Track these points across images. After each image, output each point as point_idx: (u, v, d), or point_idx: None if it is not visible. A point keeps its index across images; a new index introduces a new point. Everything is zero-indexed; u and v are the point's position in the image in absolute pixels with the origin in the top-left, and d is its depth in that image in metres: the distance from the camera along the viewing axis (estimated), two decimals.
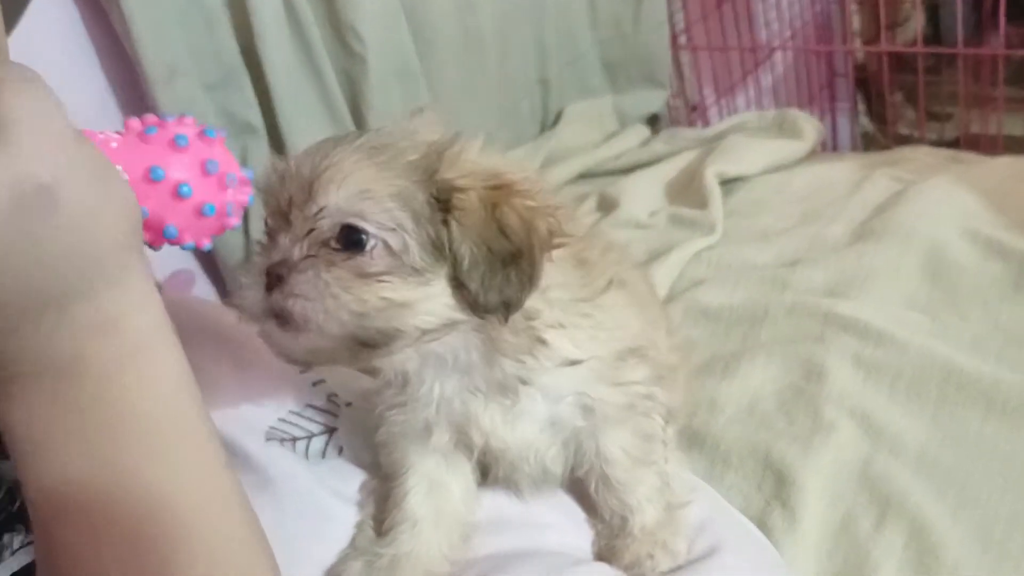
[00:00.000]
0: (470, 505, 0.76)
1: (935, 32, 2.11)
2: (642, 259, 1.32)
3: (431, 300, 0.61)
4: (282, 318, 0.60)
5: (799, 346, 1.08)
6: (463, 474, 0.75)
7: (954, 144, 1.83)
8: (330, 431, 0.79)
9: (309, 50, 1.29)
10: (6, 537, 0.59)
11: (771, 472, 0.92)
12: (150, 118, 0.56)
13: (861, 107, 2.20)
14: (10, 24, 0.57)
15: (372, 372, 0.71)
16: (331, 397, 0.82)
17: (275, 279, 0.60)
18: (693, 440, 0.98)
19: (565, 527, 0.77)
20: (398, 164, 0.61)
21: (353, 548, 0.73)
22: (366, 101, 1.38)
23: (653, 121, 1.95)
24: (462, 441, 0.71)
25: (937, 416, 0.96)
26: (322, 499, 0.74)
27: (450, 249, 0.60)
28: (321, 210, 0.60)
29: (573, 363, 0.68)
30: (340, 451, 0.79)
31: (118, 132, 0.55)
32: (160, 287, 0.53)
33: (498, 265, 0.60)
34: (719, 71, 2.01)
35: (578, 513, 0.78)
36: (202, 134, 0.56)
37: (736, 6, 1.96)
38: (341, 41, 1.34)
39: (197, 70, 1.18)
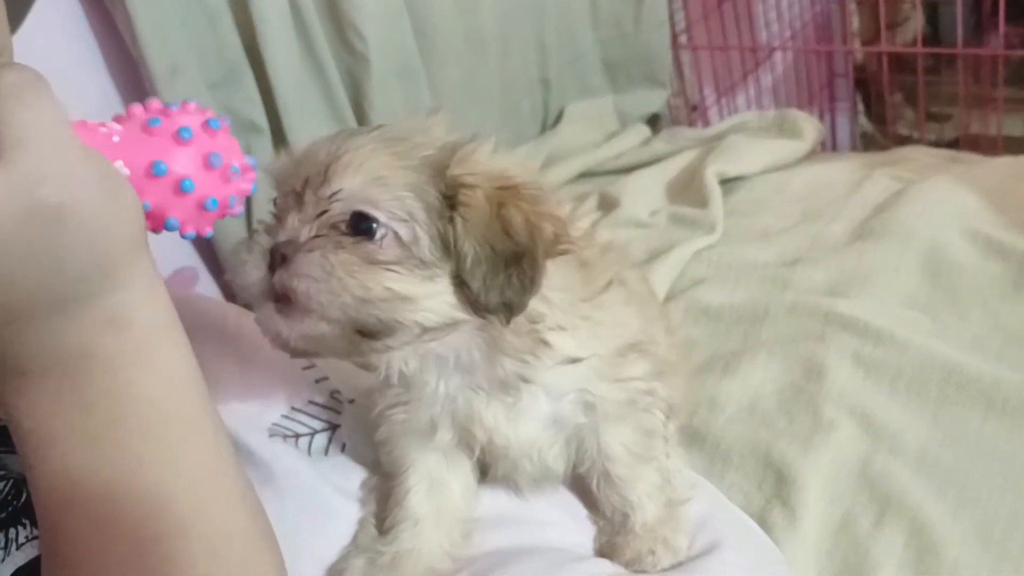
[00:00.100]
0: (470, 503, 0.76)
1: (934, 33, 2.12)
2: (643, 258, 1.32)
3: (435, 297, 0.61)
4: (283, 299, 0.59)
5: (799, 345, 1.08)
6: (463, 472, 0.75)
7: (953, 144, 1.83)
8: (333, 428, 0.80)
9: (312, 48, 1.29)
10: (12, 531, 0.59)
11: (771, 471, 0.93)
12: (154, 105, 0.55)
13: (860, 107, 2.21)
14: (14, 23, 0.57)
15: (372, 370, 0.71)
16: (334, 394, 0.82)
17: (280, 259, 0.59)
18: (694, 439, 0.98)
19: (566, 524, 0.77)
20: (414, 157, 0.62)
21: (355, 546, 0.73)
22: (368, 100, 1.38)
23: (653, 121, 1.95)
24: (464, 439, 0.71)
25: (937, 415, 0.96)
26: (324, 495, 0.74)
27: (455, 246, 0.60)
28: (336, 193, 0.60)
29: (574, 361, 0.68)
30: (343, 448, 0.79)
31: (120, 118, 0.54)
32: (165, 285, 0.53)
33: (500, 265, 0.60)
34: (719, 71, 2.01)
35: (579, 510, 0.78)
36: (206, 125, 0.55)
37: (736, 6, 1.96)
38: (343, 40, 1.34)
39: (200, 68, 1.18)
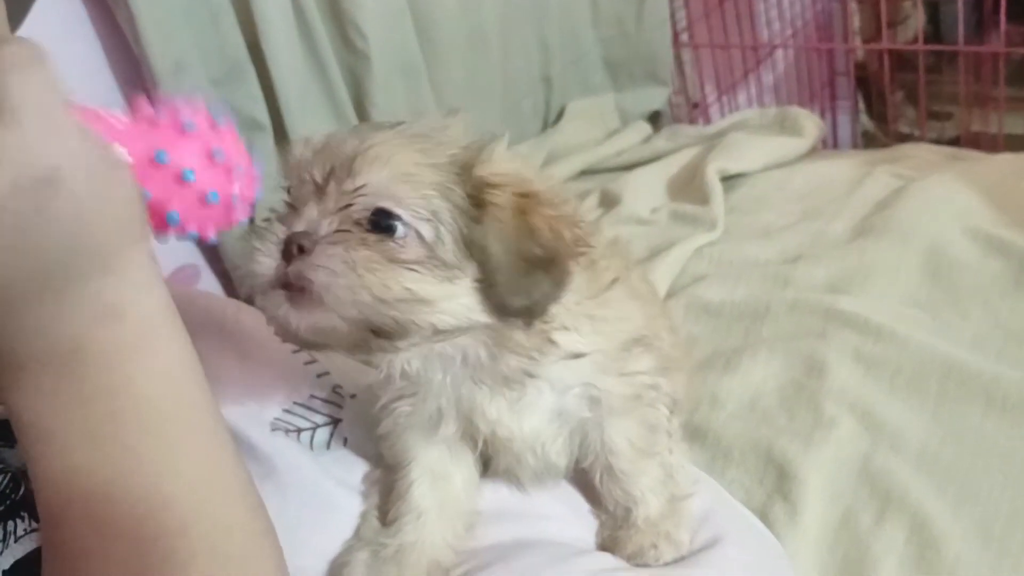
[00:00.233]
0: (473, 496, 0.76)
1: (935, 31, 2.11)
2: (644, 255, 1.32)
3: (453, 299, 0.60)
4: (295, 290, 0.58)
5: (800, 342, 1.09)
6: (466, 465, 0.75)
7: (955, 143, 1.83)
8: (334, 422, 0.80)
9: (314, 46, 1.29)
10: (10, 524, 0.59)
11: (772, 467, 0.93)
12: (160, 101, 0.55)
13: (861, 106, 2.21)
14: (15, 21, 0.57)
15: (374, 366, 0.70)
16: (335, 389, 0.82)
17: (296, 249, 0.58)
18: (695, 435, 0.98)
19: (567, 518, 0.77)
20: (440, 155, 0.61)
21: (358, 538, 0.73)
22: (369, 98, 1.38)
23: (655, 118, 1.95)
24: (467, 432, 0.71)
25: (937, 412, 0.96)
26: (326, 489, 0.74)
27: (481, 246, 0.60)
28: (361, 187, 0.59)
29: (578, 356, 0.68)
30: (344, 442, 0.79)
31: (127, 113, 0.54)
32: (165, 281, 0.53)
33: (525, 268, 0.60)
34: (721, 69, 2.01)
35: (580, 504, 0.78)
36: (212, 122, 0.55)
37: (737, 4, 1.96)
38: (345, 38, 1.34)
39: (203, 65, 1.18)
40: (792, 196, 1.47)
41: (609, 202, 1.52)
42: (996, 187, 1.33)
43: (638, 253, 1.30)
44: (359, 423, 0.80)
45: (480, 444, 0.72)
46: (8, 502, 0.60)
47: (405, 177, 0.59)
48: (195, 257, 1.29)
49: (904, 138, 1.93)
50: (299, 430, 0.78)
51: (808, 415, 0.98)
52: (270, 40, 1.23)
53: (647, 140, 1.80)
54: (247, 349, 0.81)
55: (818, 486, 0.90)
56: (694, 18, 1.97)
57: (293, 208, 0.61)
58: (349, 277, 0.57)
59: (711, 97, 2.05)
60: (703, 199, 1.47)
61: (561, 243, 0.61)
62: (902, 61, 1.97)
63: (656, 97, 1.93)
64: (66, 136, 0.44)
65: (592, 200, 1.56)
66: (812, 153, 1.66)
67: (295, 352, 0.84)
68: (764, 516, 0.88)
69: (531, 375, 0.67)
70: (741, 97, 2.07)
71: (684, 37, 1.98)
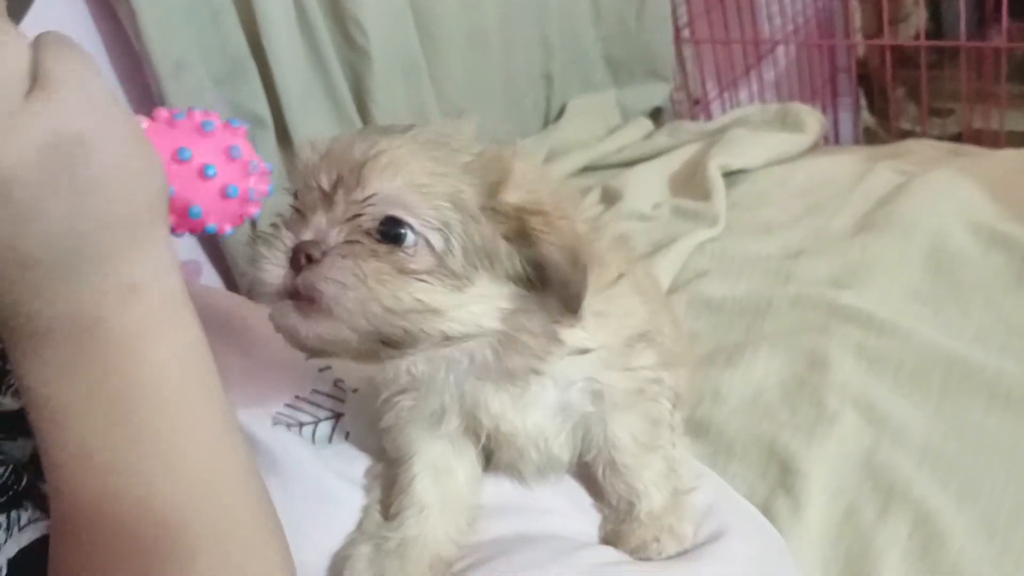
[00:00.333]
0: (475, 490, 0.76)
1: (937, 28, 2.11)
2: (645, 251, 1.33)
3: (462, 308, 0.60)
4: (303, 299, 0.57)
5: (802, 337, 1.09)
6: (469, 460, 0.75)
7: (956, 140, 1.83)
8: (336, 416, 0.80)
9: (315, 43, 1.29)
10: (14, 514, 0.60)
11: (775, 461, 0.93)
12: (176, 109, 0.59)
13: (863, 103, 2.20)
14: (16, 18, 0.58)
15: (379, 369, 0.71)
16: (337, 383, 0.82)
17: (304, 258, 0.57)
18: (697, 430, 0.98)
19: (570, 512, 0.77)
20: (453, 163, 0.60)
21: (361, 532, 0.73)
22: (370, 95, 1.38)
23: (656, 115, 1.95)
24: (470, 427, 0.71)
25: (940, 407, 0.97)
26: (328, 482, 0.74)
27: (526, 263, 0.60)
28: (371, 196, 0.58)
29: (583, 352, 0.68)
30: (346, 436, 0.79)
31: (145, 119, 0.58)
32: None
33: (576, 272, 0.61)
34: (722, 65, 2.01)
35: (583, 498, 0.78)
36: (227, 124, 0.59)
37: (739, 0, 1.96)
38: (346, 35, 1.34)
39: (204, 63, 1.18)
40: (794, 192, 1.47)
41: (610, 198, 1.52)
42: (998, 182, 1.33)
43: (640, 249, 1.30)
44: (361, 417, 0.80)
45: (483, 439, 0.72)
46: (11, 492, 0.61)
47: (416, 187, 0.58)
48: (196, 254, 1.29)
49: (905, 135, 1.93)
50: (301, 424, 0.78)
51: (811, 410, 0.98)
52: (271, 38, 1.23)
53: (648, 136, 1.80)
54: (249, 344, 0.82)
55: (821, 481, 0.90)
56: (695, 14, 1.96)
57: (300, 214, 0.61)
58: (360, 290, 0.56)
59: (712, 93, 2.05)
60: (705, 195, 1.47)
61: (580, 265, 0.62)
62: (903, 58, 1.97)
63: (657, 93, 1.93)
64: (100, 107, 0.47)
65: (593, 196, 1.55)
66: (814, 149, 1.66)
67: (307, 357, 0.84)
68: (767, 511, 0.88)
69: (537, 372, 0.67)
70: (742, 93, 2.07)
71: (685, 33, 1.98)
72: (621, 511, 0.76)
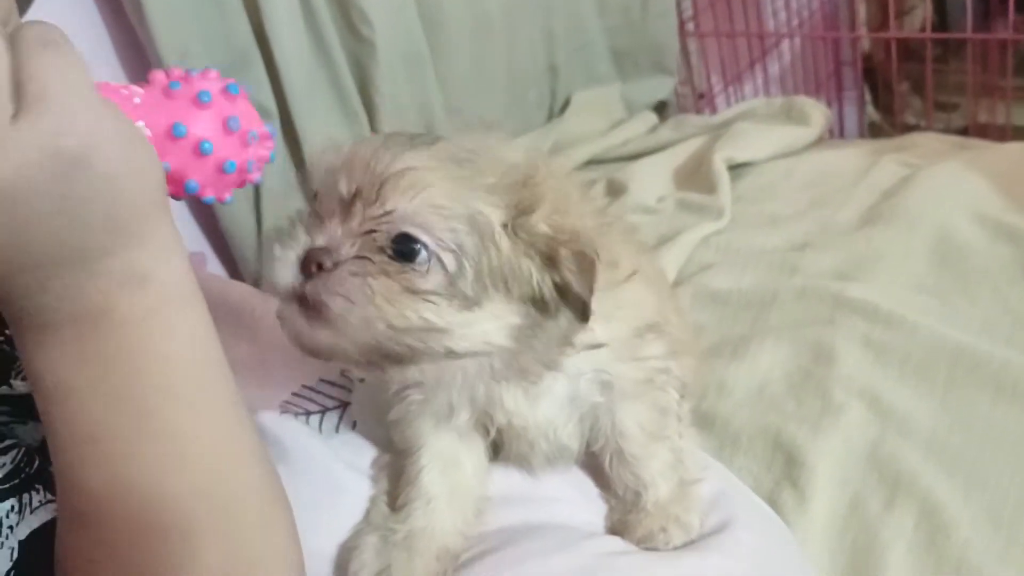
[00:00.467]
0: (483, 481, 0.76)
1: (942, 22, 2.11)
2: (651, 244, 1.32)
3: (470, 327, 0.59)
4: (310, 306, 0.58)
5: (808, 329, 1.08)
6: (476, 451, 0.75)
7: (961, 134, 1.83)
8: (344, 405, 0.80)
9: (319, 34, 1.29)
10: (26, 496, 0.60)
11: (780, 453, 0.93)
12: (175, 72, 0.56)
13: (867, 97, 2.20)
14: (21, 8, 0.58)
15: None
16: (344, 372, 0.82)
17: (315, 266, 0.57)
18: (703, 422, 0.98)
19: (576, 501, 0.77)
20: (477, 184, 0.60)
21: (368, 523, 0.73)
22: (374, 85, 1.38)
23: (660, 108, 1.95)
24: (481, 421, 0.71)
25: (946, 399, 0.96)
26: (336, 471, 0.74)
27: (545, 283, 0.60)
28: (388, 213, 0.58)
29: (596, 347, 0.68)
30: (353, 426, 0.79)
31: (142, 84, 0.55)
32: None
33: (586, 293, 0.61)
34: (727, 59, 2.01)
35: (590, 488, 0.78)
36: (225, 90, 0.56)
37: None
38: (350, 25, 1.34)
39: (209, 54, 1.18)
40: (799, 185, 1.47)
41: (615, 191, 1.52)
42: (1004, 175, 1.33)
43: (646, 241, 1.30)
44: (368, 407, 0.80)
45: (493, 432, 0.72)
46: (23, 475, 0.61)
47: (435, 208, 0.58)
48: (202, 245, 1.29)
49: (910, 129, 1.93)
50: (308, 413, 0.78)
51: (816, 402, 0.98)
52: (276, 28, 1.23)
53: (653, 130, 1.80)
54: (257, 332, 0.82)
55: (826, 472, 0.89)
56: (700, 7, 1.96)
57: (318, 217, 0.60)
58: (367, 308, 0.56)
59: (717, 87, 2.05)
60: (710, 188, 1.46)
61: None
62: (908, 51, 1.97)
63: (662, 87, 1.93)
64: (93, 116, 0.46)
65: (598, 190, 1.55)
66: (819, 143, 1.65)
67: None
68: (772, 502, 0.88)
69: (552, 370, 0.67)
70: (747, 87, 2.06)
71: (690, 26, 1.98)
72: (628, 501, 0.76)
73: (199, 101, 0.54)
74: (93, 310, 0.48)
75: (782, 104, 1.72)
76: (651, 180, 1.53)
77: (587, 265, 0.60)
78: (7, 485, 0.60)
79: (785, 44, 2.11)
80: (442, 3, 1.49)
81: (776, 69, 2.12)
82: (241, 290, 0.91)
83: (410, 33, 1.43)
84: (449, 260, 0.58)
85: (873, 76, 2.16)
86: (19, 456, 0.61)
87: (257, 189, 1.25)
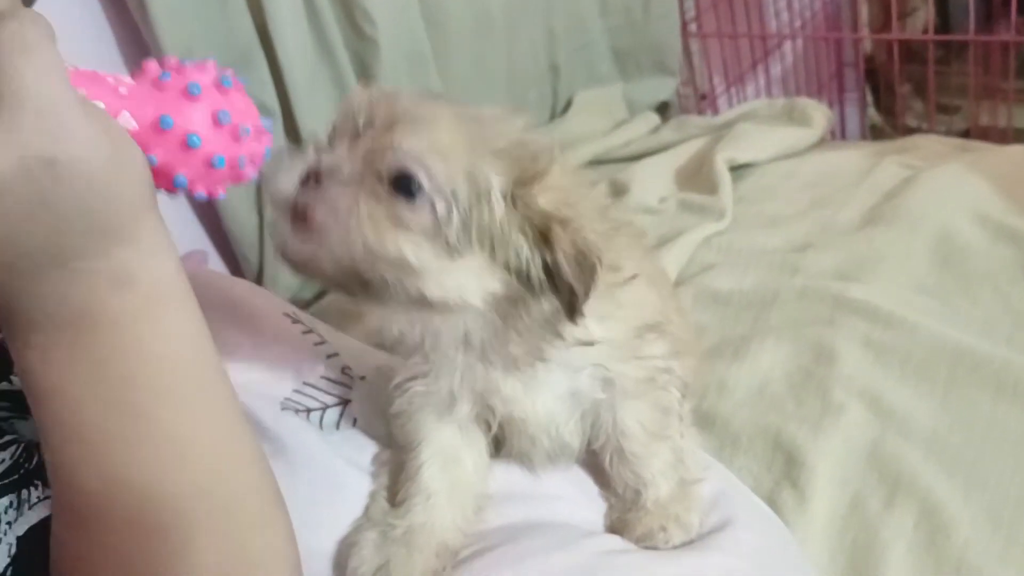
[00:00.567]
0: (483, 478, 0.76)
1: (944, 24, 2.11)
2: (652, 244, 1.32)
3: (446, 274, 0.60)
4: (300, 217, 0.59)
5: (809, 329, 1.08)
6: (477, 447, 0.75)
7: (963, 137, 1.82)
8: (344, 403, 0.79)
9: (322, 32, 1.29)
10: (24, 492, 0.60)
11: (781, 453, 0.93)
12: (170, 62, 0.54)
13: (869, 99, 2.20)
14: (27, 3, 0.57)
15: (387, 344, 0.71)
16: (345, 370, 0.82)
17: (314, 180, 0.59)
18: (703, 422, 0.98)
19: (577, 499, 0.77)
20: (486, 146, 0.61)
21: (367, 519, 0.73)
22: (377, 84, 1.38)
23: (662, 109, 1.95)
24: (482, 414, 0.71)
25: (947, 399, 0.96)
26: (336, 467, 0.74)
27: (535, 261, 0.61)
28: (394, 144, 0.59)
29: (589, 344, 0.68)
30: (354, 423, 0.79)
31: (134, 73, 0.54)
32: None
33: (577, 284, 0.61)
34: (729, 60, 2.01)
35: (590, 486, 0.78)
36: (218, 83, 0.54)
37: None
38: (353, 24, 1.34)
39: (212, 51, 1.18)
40: (800, 185, 1.47)
41: (617, 192, 1.52)
42: (1006, 177, 1.32)
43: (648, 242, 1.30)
44: (369, 404, 0.80)
45: (495, 426, 0.72)
46: (22, 471, 0.61)
47: (438, 151, 0.59)
48: (203, 243, 1.29)
49: (912, 132, 1.93)
50: (308, 410, 0.78)
51: (816, 402, 0.98)
52: (279, 26, 1.23)
53: (655, 130, 1.80)
54: (258, 329, 0.81)
55: (827, 472, 0.89)
56: (702, 7, 1.96)
57: (331, 142, 0.62)
58: (348, 222, 0.58)
59: (719, 88, 2.05)
60: (711, 188, 1.46)
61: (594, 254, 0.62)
62: (910, 53, 1.97)
63: (664, 87, 1.93)
64: (68, 117, 0.44)
65: (600, 190, 1.55)
66: (820, 144, 1.65)
67: (305, 333, 0.84)
68: (772, 503, 0.88)
69: (541, 359, 0.67)
70: (749, 88, 2.07)
71: (692, 27, 1.98)
72: (628, 500, 0.76)
73: (188, 93, 0.52)
74: (82, 311, 0.47)
75: (784, 105, 1.72)
76: (653, 180, 1.53)
77: (588, 268, 0.61)
78: (6, 481, 0.59)
79: (787, 45, 2.11)
80: (444, 2, 1.49)
81: (778, 70, 2.12)
82: (241, 287, 0.91)
83: (413, 32, 1.43)
84: (441, 205, 0.59)
85: (875, 78, 2.16)
86: (18, 452, 0.61)
87: (259, 187, 1.25)
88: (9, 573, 0.56)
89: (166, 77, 0.53)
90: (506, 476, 0.77)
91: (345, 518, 0.73)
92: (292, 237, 0.59)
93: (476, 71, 1.58)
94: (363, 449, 0.77)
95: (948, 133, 1.87)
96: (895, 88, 1.95)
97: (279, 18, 1.22)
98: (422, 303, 0.61)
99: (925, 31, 1.92)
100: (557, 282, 0.61)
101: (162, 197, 0.53)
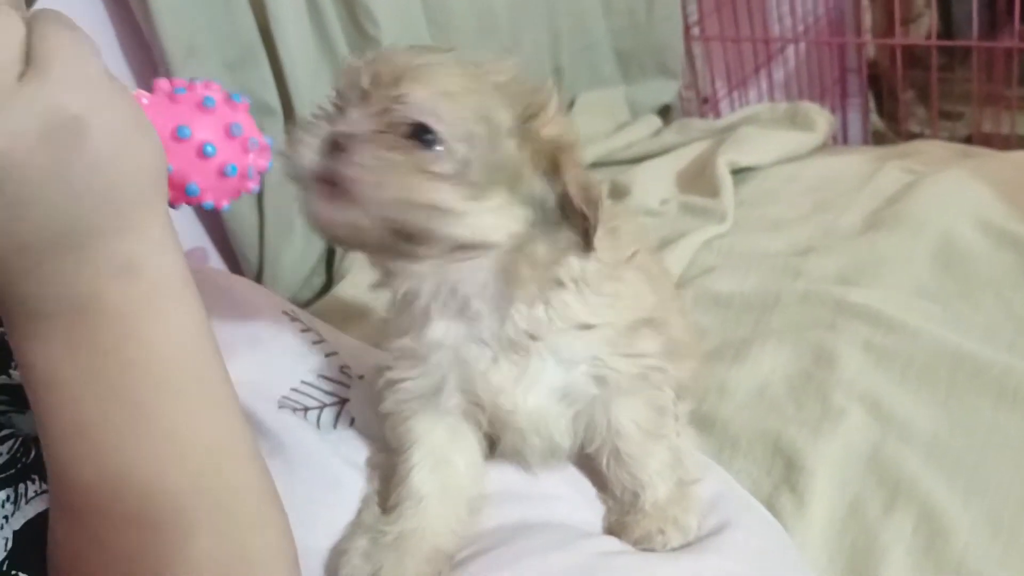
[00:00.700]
0: (477, 480, 0.75)
1: (947, 30, 2.11)
2: (653, 246, 1.32)
3: (472, 216, 0.61)
4: (331, 185, 0.60)
5: (810, 333, 1.08)
6: (469, 448, 0.75)
7: (966, 143, 1.82)
8: (342, 402, 0.79)
9: (325, 32, 1.29)
10: (21, 486, 0.59)
11: (780, 457, 0.92)
12: (179, 80, 0.58)
13: (872, 105, 2.20)
14: (28, 2, 0.58)
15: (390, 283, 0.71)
16: (343, 369, 0.82)
17: (336, 147, 0.60)
18: (703, 425, 0.98)
19: (574, 500, 0.76)
20: (486, 81, 0.63)
21: (358, 525, 0.72)
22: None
23: (665, 112, 1.94)
24: (470, 410, 0.71)
25: (948, 404, 0.96)
26: (334, 466, 0.74)
27: (547, 191, 0.63)
28: (403, 95, 0.60)
29: (586, 327, 0.68)
30: (352, 422, 0.79)
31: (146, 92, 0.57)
32: None
33: (586, 206, 0.63)
34: (732, 64, 2.01)
35: (588, 488, 0.78)
36: (228, 98, 0.58)
37: None
38: (356, 23, 1.34)
39: (215, 49, 1.18)
40: (802, 189, 1.47)
41: (618, 194, 1.52)
42: (1008, 182, 1.32)
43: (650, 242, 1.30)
44: (367, 404, 0.79)
45: (484, 422, 0.72)
46: (19, 465, 0.60)
47: (447, 96, 0.61)
48: (203, 240, 1.29)
49: (914, 137, 1.92)
50: (306, 409, 0.78)
51: (817, 405, 0.97)
52: (281, 25, 1.23)
53: (657, 133, 1.79)
54: (257, 328, 0.81)
55: (826, 475, 0.89)
56: (705, 11, 1.96)
57: (340, 109, 0.63)
58: (377, 175, 0.59)
59: (721, 92, 2.04)
60: (713, 191, 1.46)
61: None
62: (913, 59, 1.97)
63: (666, 90, 1.93)
64: (96, 86, 0.46)
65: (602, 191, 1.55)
66: (822, 149, 1.65)
67: (304, 331, 0.84)
68: (771, 506, 0.87)
69: (535, 338, 0.67)
70: (751, 93, 2.06)
71: (695, 31, 1.98)
72: (625, 502, 0.75)
73: (203, 106, 0.56)
74: (84, 299, 0.47)
75: (786, 109, 1.72)
76: (654, 183, 1.53)
77: (593, 201, 0.63)
78: (3, 475, 0.59)
79: (790, 49, 2.11)
80: (448, 2, 1.49)
81: (781, 74, 2.12)
82: (242, 285, 0.90)
83: (415, 32, 1.43)
84: (461, 149, 0.60)
85: (878, 83, 2.16)
86: (16, 446, 0.61)
87: (260, 199, 1.25)
88: (5, 568, 0.56)
89: (180, 91, 0.57)
90: (502, 476, 0.77)
91: (342, 517, 0.73)
92: (326, 207, 0.61)
93: None
94: (361, 449, 0.77)
95: (951, 139, 1.87)
96: (898, 94, 1.95)
97: (281, 17, 1.22)
98: (455, 248, 0.62)
99: (929, 37, 1.92)
100: (569, 212, 0.63)
101: None
